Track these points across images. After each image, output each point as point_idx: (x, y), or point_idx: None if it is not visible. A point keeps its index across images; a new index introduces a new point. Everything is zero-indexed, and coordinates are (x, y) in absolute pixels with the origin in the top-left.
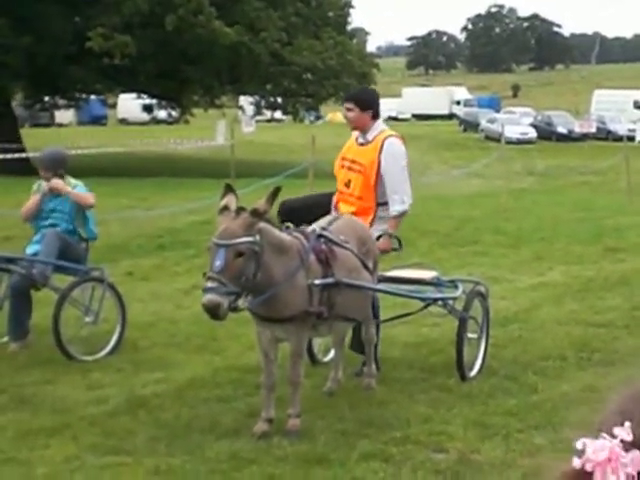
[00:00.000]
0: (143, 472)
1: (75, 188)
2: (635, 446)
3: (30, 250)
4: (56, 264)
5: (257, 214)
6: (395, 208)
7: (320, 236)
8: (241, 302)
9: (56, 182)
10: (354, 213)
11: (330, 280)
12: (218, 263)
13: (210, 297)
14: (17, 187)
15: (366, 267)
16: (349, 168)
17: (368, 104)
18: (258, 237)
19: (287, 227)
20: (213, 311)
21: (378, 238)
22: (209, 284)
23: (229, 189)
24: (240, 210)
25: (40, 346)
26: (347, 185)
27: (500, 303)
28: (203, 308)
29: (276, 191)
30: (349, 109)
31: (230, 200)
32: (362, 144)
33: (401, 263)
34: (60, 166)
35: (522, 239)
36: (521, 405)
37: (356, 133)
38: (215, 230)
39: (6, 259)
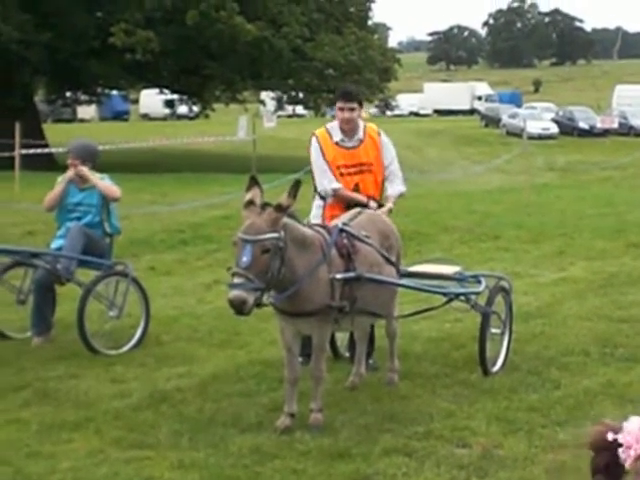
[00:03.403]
0: (166, 466)
1: (105, 180)
2: None
3: (55, 245)
4: (80, 259)
5: (281, 209)
6: (400, 188)
7: (342, 231)
8: (265, 297)
9: (83, 169)
10: None
11: (352, 274)
12: (245, 259)
13: (237, 293)
14: (40, 182)
15: (390, 261)
16: (349, 173)
17: (362, 100)
18: (282, 233)
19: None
20: (239, 307)
21: None
22: (236, 280)
23: (254, 182)
24: (265, 205)
25: (64, 340)
26: (356, 190)
27: (522, 298)
28: (229, 304)
29: (297, 185)
30: (353, 109)
31: (255, 194)
32: (354, 146)
33: (423, 258)
34: (88, 158)
35: (544, 234)
36: (544, 400)
37: (322, 136)
38: (239, 225)
39: (31, 254)
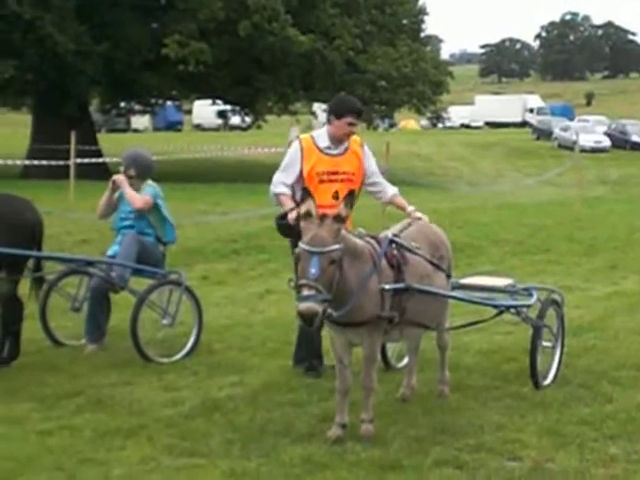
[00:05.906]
0: (218, 474)
1: (145, 188)
2: None
3: (111, 252)
4: (135, 267)
5: (341, 220)
6: (393, 191)
7: (392, 242)
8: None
9: (117, 177)
10: None
11: (401, 285)
12: (314, 271)
13: (308, 305)
14: (94, 191)
15: (441, 269)
16: (330, 180)
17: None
18: (342, 244)
19: (359, 232)
20: (310, 319)
21: None
22: (305, 292)
23: (307, 193)
24: (323, 216)
25: (117, 348)
26: (335, 197)
27: (574, 312)
28: (299, 316)
29: (351, 194)
30: (353, 124)
31: (310, 205)
32: (339, 154)
33: (474, 270)
34: (130, 166)
35: (596, 248)
36: (596, 414)
37: (307, 142)
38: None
39: (86, 262)
